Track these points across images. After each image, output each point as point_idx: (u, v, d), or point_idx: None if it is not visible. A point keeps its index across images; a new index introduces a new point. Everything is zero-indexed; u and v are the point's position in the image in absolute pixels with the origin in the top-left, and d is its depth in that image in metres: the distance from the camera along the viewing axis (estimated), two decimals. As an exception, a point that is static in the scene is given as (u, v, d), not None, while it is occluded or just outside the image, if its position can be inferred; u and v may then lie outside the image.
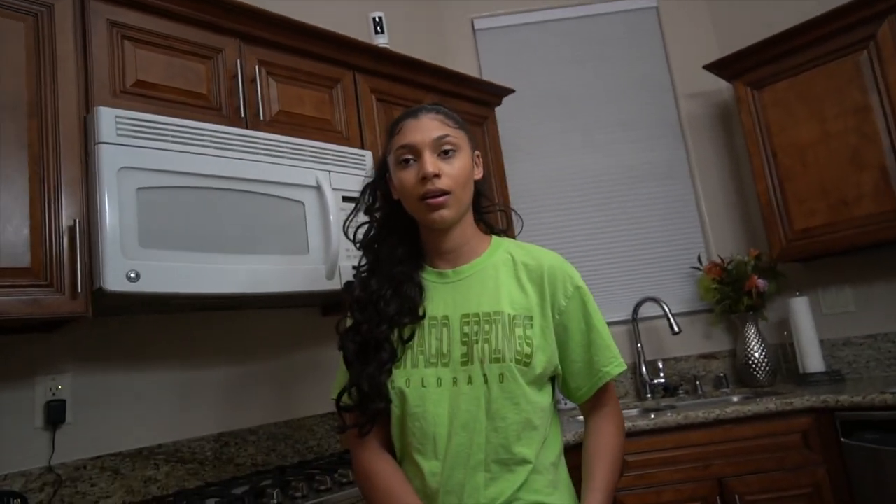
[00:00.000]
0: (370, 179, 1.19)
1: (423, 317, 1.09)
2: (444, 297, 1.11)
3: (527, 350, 1.05)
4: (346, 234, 1.19)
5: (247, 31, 1.79)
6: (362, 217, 1.18)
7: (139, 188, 1.44)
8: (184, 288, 1.47)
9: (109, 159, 1.40)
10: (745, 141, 2.58)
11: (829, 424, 2.02)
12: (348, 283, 1.17)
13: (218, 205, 1.57)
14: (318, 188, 1.77)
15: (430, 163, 1.06)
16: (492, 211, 1.25)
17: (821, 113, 2.36)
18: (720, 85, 2.76)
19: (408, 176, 1.08)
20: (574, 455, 1.17)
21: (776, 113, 2.48)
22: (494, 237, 1.20)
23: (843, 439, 1.98)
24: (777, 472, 2.00)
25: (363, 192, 1.18)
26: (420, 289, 1.12)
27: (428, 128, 1.08)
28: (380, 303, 1.08)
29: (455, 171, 1.08)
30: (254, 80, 1.78)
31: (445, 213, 1.07)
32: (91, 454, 1.60)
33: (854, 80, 2.28)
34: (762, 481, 1.99)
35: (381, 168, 1.16)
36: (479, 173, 1.17)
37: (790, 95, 2.44)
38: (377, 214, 1.17)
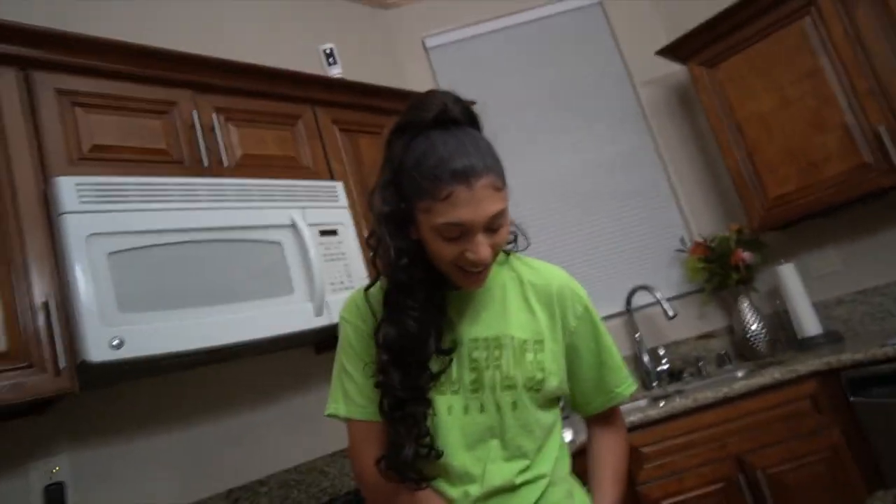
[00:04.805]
0: (382, 231, 0.97)
1: (452, 351, 1.00)
2: (449, 319, 1.04)
3: (539, 376, 1.01)
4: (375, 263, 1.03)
5: (198, 80, 1.77)
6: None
7: (110, 253, 1.40)
8: (171, 347, 1.43)
9: (75, 229, 1.37)
10: (708, 119, 2.61)
11: (836, 385, 2.01)
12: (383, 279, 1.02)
13: (194, 257, 1.54)
14: (294, 226, 1.75)
15: (483, 249, 0.93)
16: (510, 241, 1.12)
17: (777, 81, 2.39)
18: (675, 68, 2.80)
19: (448, 250, 0.94)
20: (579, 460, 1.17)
21: (734, 87, 2.51)
22: (500, 253, 1.13)
23: (851, 398, 1.98)
24: (793, 441, 1.98)
25: (370, 236, 1.01)
26: (448, 320, 1.02)
27: (482, 201, 0.90)
28: (420, 352, 0.96)
29: (500, 241, 0.96)
30: (212, 129, 1.76)
31: (482, 282, 1.00)
32: (98, 534, 1.54)
33: (802, 46, 2.31)
34: (780, 452, 1.98)
35: (397, 212, 0.96)
36: None
37: (744, 69, 2.47)
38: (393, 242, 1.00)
